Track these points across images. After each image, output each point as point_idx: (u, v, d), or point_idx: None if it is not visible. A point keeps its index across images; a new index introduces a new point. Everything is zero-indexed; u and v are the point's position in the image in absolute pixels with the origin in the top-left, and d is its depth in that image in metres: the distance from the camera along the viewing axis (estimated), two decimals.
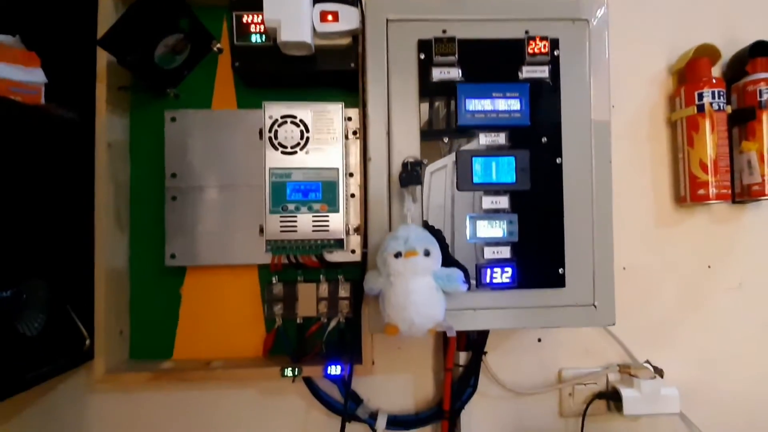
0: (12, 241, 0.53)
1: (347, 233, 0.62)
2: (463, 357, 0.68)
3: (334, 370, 0.61)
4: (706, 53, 0.70)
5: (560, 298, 0.52)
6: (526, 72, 0.51)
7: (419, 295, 0.43)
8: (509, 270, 0.50)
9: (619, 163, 0.72)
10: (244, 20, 0.62)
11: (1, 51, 0.54)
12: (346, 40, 0.61)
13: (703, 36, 0.73)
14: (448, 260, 0.49)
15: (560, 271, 0.51)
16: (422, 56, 0.51)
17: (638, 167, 0.74)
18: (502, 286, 0.50)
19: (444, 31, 0.51)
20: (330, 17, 0.59)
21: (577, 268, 0.52)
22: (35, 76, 0.55)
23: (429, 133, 0.51)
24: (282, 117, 0.60)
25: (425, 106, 0.52)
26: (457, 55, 0.50)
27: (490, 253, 0.51)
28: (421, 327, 0.44)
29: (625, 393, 0.67)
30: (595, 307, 0.52)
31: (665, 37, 0.75)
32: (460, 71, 0.51)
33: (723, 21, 0.75)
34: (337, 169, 0.60)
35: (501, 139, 0.51)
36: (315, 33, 0.59)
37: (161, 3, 0.57)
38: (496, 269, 0.50)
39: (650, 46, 0.75)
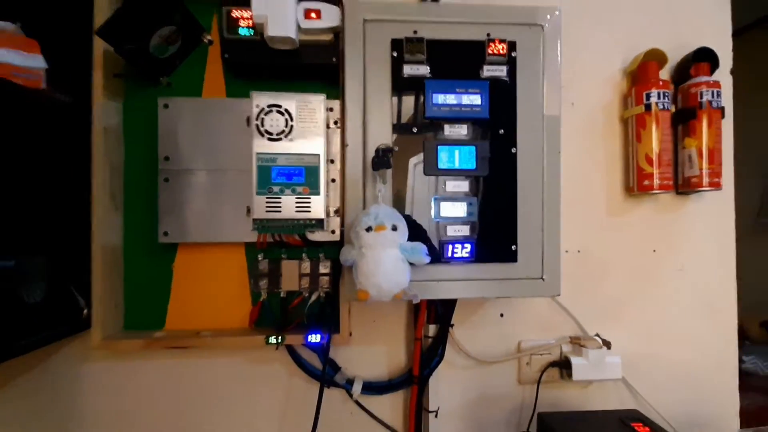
0: (14, 217, 0.58)
1: (328, 214, 0.68)
2: (432, 329, 0.75)
3: (314, 338, 0.68)
4: (655, 57, 0.78)
5: (513, 271, 0.59)
6: (487, 71, 0.58)
7: (387, 264, 0.50)
8: (468, 246, 0.57)
9: (575, 155, 0.80)
10: (234, 15, 0.67)
11: (3, 37, 0.58)
12: (328, 36, 0.67)
13: (655, 41, 0.80)
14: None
15: (513, 247, 0.59)
16: (395, 54, 0.57)
17: (593, 160, 0.82)
18: (462, 260, 0.57)
19: (415, 32, 0.57)
20: (313, 15, 0.64)
21: (528, 246, 0.59)
22: (36, 61, 0.59)
23: (400, 124, 0.58)
24: (268, 106, 0.65)
25: (397, 98, 0.58)
26: (425, 54, 0.56)
27: (452, 231, 0.57)
28: (389, 292, 0.51)
29: (575, 361, 0.75)
30: (543, 279, 0.60)
31: (620, 41, 0.82)
32: (428, 68, 0.57)
33: (673, 27, 0.83)
34: (319, 155, 0.66)
35: (463, 130, 0.58)
36: (299, 29, 0.65)
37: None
38: (457, 245, 0.57)
39: (607, 49, 0.82)
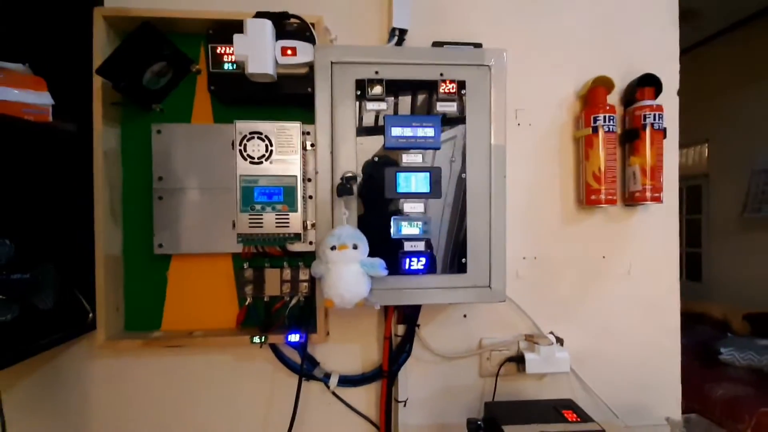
0: (28, 234, 0.66)
1: (305, 228, 0.76)
2: (401, 329, 0.84)
3: (294, 337, 0.77)
4: (603, 83, 0.86)
5: (463, 280, 0.67)
6: (439, 106, 0.66)
7: (348, 277, 0.59)
8: (423, 259, 0.66)
9: (534, 171, 0.89)
10: (218, 51, 0.74)
11: (14, 78, 0.65)
12: (303, 70, 0.75)
13: (607, 66, 0.89)
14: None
15: (463, 260, 0.67)
16: (359, 92, 0.65)
17: (549, 175, 0.90)
18: (417, 272, 0.66)
19: (376, 72, 0.65)
20: (289, 51, 0.72)
21: (477, 258, 0.68)
22: (43, 98, 0.67)
23: (364, 153, 0.66)
24: (250, 133, 0.73)
25: (361, 130, 0.66)
26: (385, 93, 0.64)
27: (409, 246, 0.66)
28: (350, 301, 0.59)
29: (528, 356, 0.84)
30: (491, 288, 0.68)
31: (575, 66, 0.90)
32: (387, 105, 0.65)
33: (624, 52, 0.91)
34: (296, 176, 0.74)
35: (419, 158, 0.66)
36: (277, 64, 0.72)
37: (148, 38, 0.70)
38: (413, 259, 0.66)
39: (562, 74, 0.90)
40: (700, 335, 2.31)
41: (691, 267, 3.16)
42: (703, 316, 2.59)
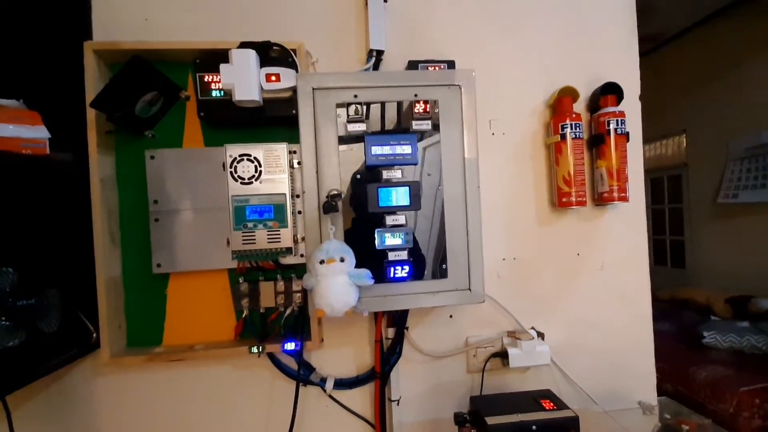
0: (31, 261, 0.70)
1: (295, 242, 0.81)
2: (390, 332, 0.89)
3: (290, 346, 0.81)
4: (568, 93, 0.92)
5: (444, 285, 0.73)
6: (415, 125, 0.71)
7: (337, 288, 0.63)
8: (407, 268, 0.71)
9: (509, 177, 0.95)
10: (206, 79, 0.79)
11: (9, 114, 0.69)
12: (287, 93, 0.79)
13: (572, 76, 0.95)
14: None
15: (443, 266, 0.73)
16: (340, 115, 0.70)
17: (524, 180, 0.96)
18: (401, 280, 0.71)
19: (355, 96, 0.70)
20: (273, 78, 0.77)
21: (456, 264, 0.73)
22: (40, 132, 0.70)
23: (347, 171, 0.71)
24: (240, 155, 0.77)
25: (343, 151, 0.71)
26: (364, 114, 0.69)
27: (393, 256, 0.71)
28: (340, 310, 0.64)
29: (511, 351, 0.90)
30: (470, 290, 0.74)
31: (543, 77, 0.96)
32: (367, 125, 0.70)
33: (587, 63, 0.97)
34: (285, 195, 0.79)
35: (398, 174, 0.71)
36: (262, 90, 0.77)
37: (138, 71, 0.73)
38: (397, 267, 0.71)
39: (532, 86, 0.96)
40: (685, 320, 2.41)
41: (675, 254, 3.26)
42: (688, 302, 2.69)
